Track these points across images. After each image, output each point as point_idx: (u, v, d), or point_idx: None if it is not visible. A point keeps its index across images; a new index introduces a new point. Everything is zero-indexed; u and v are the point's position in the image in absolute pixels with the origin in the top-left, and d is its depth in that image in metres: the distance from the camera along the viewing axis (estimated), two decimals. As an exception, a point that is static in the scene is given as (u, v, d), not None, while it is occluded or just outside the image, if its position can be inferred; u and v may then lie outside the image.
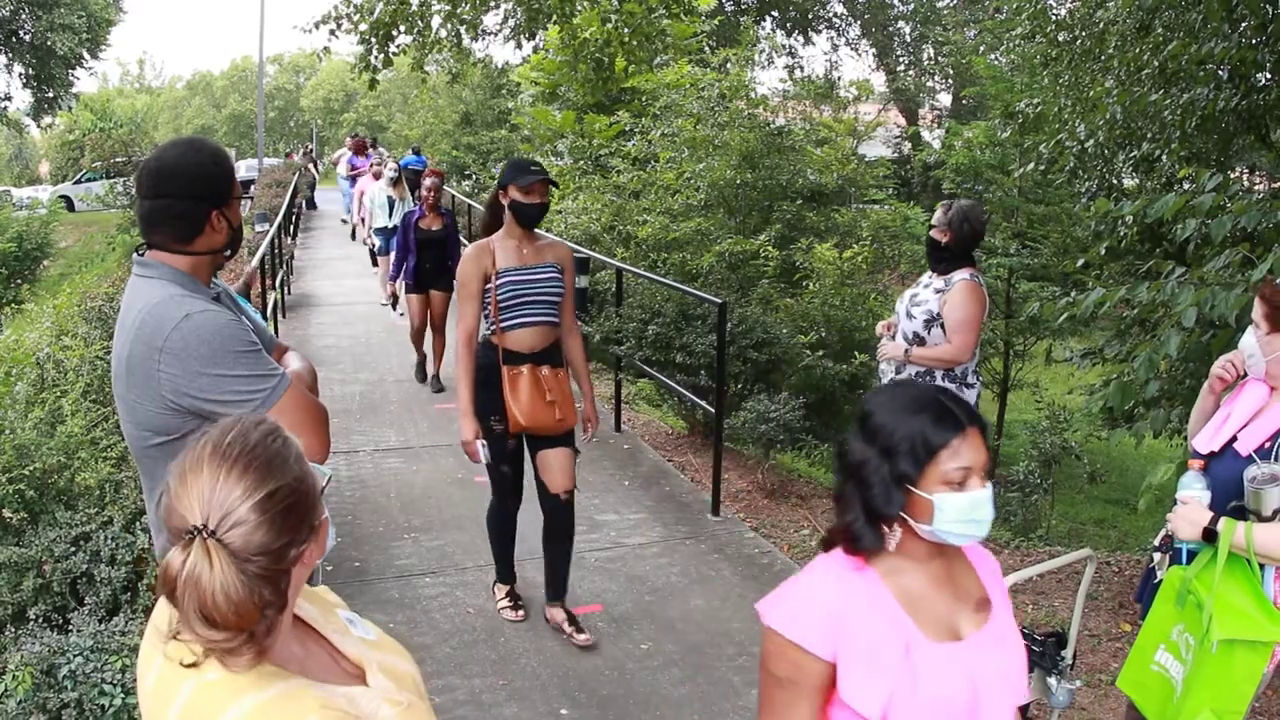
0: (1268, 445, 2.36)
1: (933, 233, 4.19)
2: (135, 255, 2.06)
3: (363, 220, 12.00)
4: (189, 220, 2.00)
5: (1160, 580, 2.50)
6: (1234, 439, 2.44)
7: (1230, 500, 2.37)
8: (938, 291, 4.14)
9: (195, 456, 1.14)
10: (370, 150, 17.00)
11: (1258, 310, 2.42)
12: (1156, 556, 2.56)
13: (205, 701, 1.13)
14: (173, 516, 1.12)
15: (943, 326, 4.08)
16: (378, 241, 10.45)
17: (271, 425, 1.20)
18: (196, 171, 2.00)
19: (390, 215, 9.99)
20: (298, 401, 1.98)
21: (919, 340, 4.17)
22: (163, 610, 1.22)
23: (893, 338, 4.29)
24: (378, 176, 11.19)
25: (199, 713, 1.13)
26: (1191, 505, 2.39)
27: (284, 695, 1.12)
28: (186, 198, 1.99)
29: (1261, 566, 2.34)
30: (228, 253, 2.11)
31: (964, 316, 4.02)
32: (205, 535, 1.08)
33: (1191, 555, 2.41)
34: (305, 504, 1.16)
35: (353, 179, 15.88)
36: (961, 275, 4.08)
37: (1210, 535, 2.33)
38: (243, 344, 1.94)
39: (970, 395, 4.17)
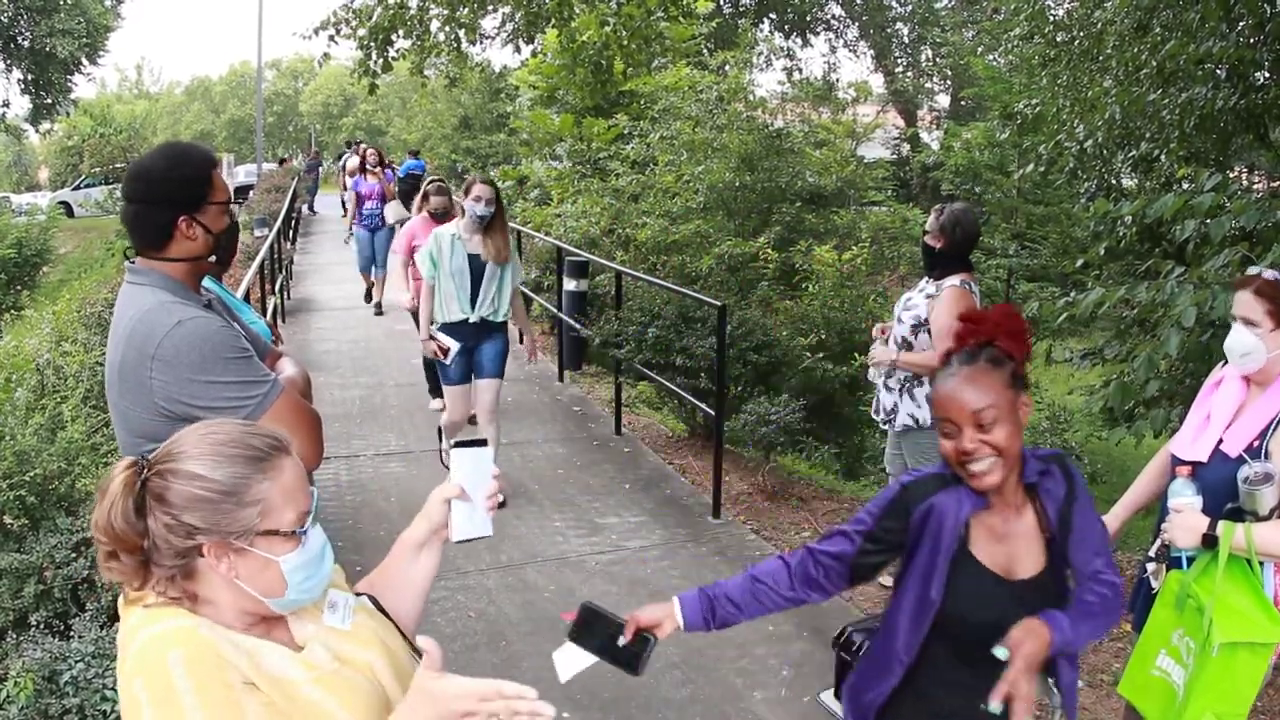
0: (1256, 444, 2.34)
1: (926, 238, 4.20)
2: (126, 262, 2.04)
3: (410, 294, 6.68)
4: (154, 226, 1.96)
5: (1156, 590, 2.48)
6: (1220, 440, 2.42)
7: (1225, 503, 2.34)
8: (929, 297, 4.15)
9: (202, 424, 1.33)
10: (374, 166, 11.50)
11: (1258, 308, 2.34)
12: (1151, 566, 2.53)
13: (124, 636, 1.28)
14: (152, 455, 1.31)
15: (929, 332, 4.09)
16: (452, 347, 5.01)
17: (276, 438, 1.33)
18: (160, 176, 1.96)
19: (476, 300, 4.99)
20: (290, 407, 1.98)
21: (906, 346, 4.18)
22: None
23: (886, 342, 4.30)
24: (441, 215, 6.32)
25: (122, 647, 1.27)
26: (1187, 513, 2.35)
27: (165, 632, 1.24)
28: (151, 203, 1.95)
29: (1261, 565, 2.33)
30: (213, 260, 2.09)
31: (948, 324, 4.02)
32: (142, 467, 1.27)
33: (1190, 561, 2.39)
34: (227, 512, 1.25)
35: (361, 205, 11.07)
36: (951, 281, 4.09)
37: (1210, 540, 2.31)
38: (234, 350, 1.94)
39: None
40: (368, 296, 11.35)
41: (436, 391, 6.76)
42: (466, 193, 5.00)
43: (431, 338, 5.06)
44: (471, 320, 5.00)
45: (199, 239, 1.99)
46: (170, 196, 1.96)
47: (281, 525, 1.29)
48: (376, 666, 1.37)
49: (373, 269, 11.05)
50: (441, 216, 6.41)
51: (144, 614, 1.27)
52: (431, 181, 6.90)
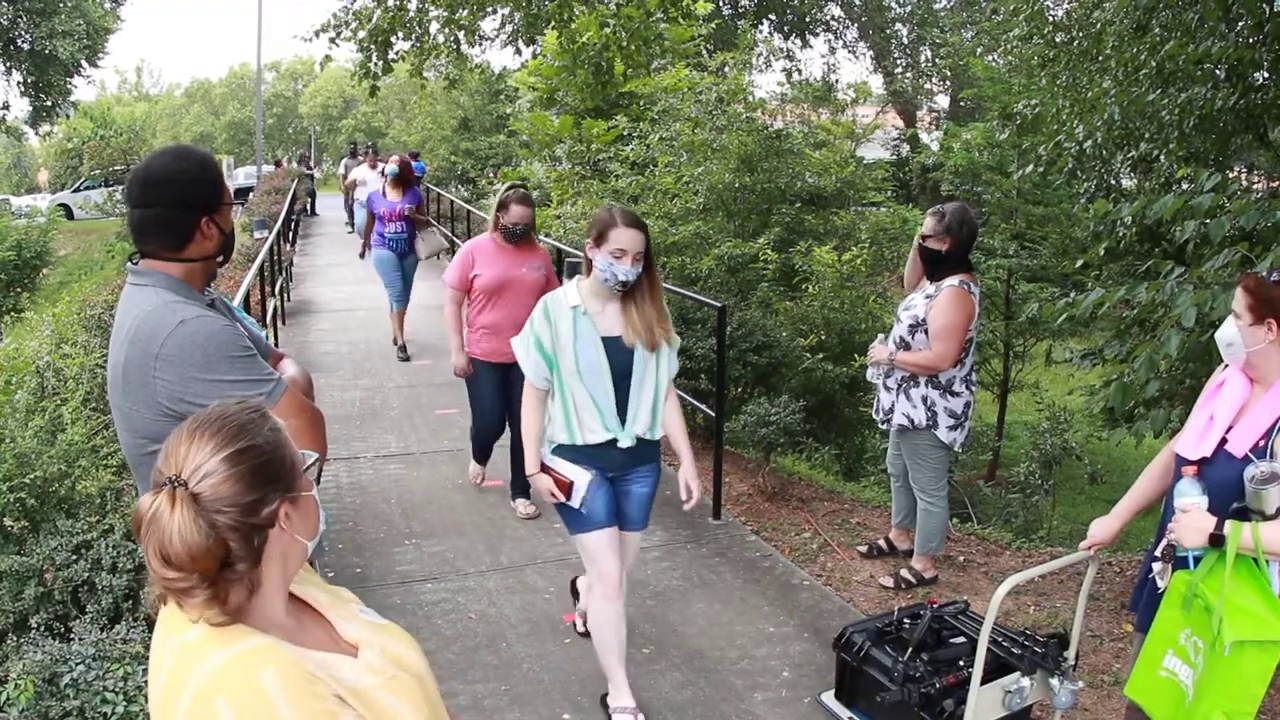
0: (1262, 443, 2.34)
1: (929, 242, 4.16)
2: (129, 264, 2.07)
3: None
4: (179, 228, 2.01)
5: (1162, 590, 2.48)
6: (1224, 440, 2.43)
7: (1230, 502, 2.35)
8: (928, 297, 4.16)
9: (177, 431, 1.24)
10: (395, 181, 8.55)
11: (1240, 301, 2.40)
12: (1157, 566, 2.53)
13: (184, 658, 1.20)
14: (156, 478, 1.21)
15: (926, 332, 4.09)
16: (576, 479, 3.12)
17: (253, 404, 1.30)
18: (184, 179, 2.00)
19: (627, 411, 3.14)
20: (294, 406, 1.99)
21: (904, 345, 4.18)
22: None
23: (886, 341, 4.31)
24: (520, 235, 4.86)
25: (179, 669, 1.20)
26: (1193, 513, 2.36)
27: (250, 650, 1.19)
28: (175, 206, 2.00)
29: (1268, 563, 2.33)
30: (220, 259, 2.11)
31: (945, 323, 4.03)
32: (175, 484, 1.18)
33: (1196, 561, 2.39)
34: (277, 466, 1.25)
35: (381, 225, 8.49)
36: (950, 281, 4.09)
37: (1216, 540, 2.32)
38: (237, 349, 1.95)
39: (957, 403, 4.17)
40: (404, 351, 8.81)
41: (520, 489, 5.23)
42: (599, 240, 3.04)
43: (545, 469, 3.18)
44: (623, 444, 3.14)
45: (214, 238, 2.05)
46: (194, 199, 2.01)
47: (307, 457, 1.32)
48: (420, 665, 1.39)
49: (404, 303, 8.76)
50: (520, 236, 4.86)
51: (209, 632, 1.20)
52: (511, 187, 4.95)
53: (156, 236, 2.01)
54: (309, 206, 22.01)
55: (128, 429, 2.01)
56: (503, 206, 4.86)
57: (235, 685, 1.16)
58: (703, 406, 5.91)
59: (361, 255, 9.40)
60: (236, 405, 1.27)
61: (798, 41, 29.46)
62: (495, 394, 5.03)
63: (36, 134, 32.86)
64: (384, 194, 8.50)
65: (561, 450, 3.17)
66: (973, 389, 4.26)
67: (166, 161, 2.03)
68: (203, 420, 1.24)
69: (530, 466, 3.21)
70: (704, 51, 15.90)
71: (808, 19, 28.69)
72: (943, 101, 29.77)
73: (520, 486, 5.24)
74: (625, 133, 13.15)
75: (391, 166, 8.60)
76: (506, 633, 3.96)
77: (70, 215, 27.30)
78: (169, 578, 1.18)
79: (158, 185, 1.99)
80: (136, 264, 2.04)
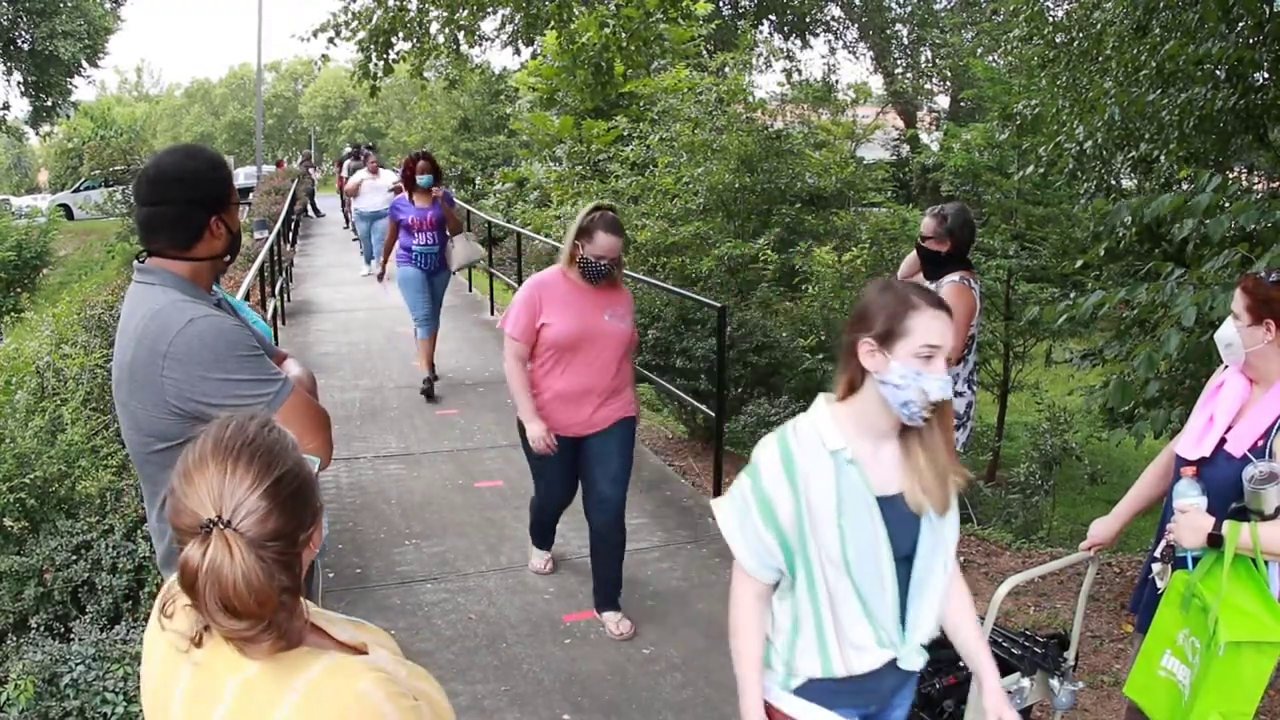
0: (1260, 443, 2.34)
1: (928, 244, 4.14)
2: (136, 262, 2.07)
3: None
4: (187, 226, 2.00)
5: (1162, 591, 2.49)
6: (1223, 440, 2.43)
7: (1229, 502, 2.35)
8: None
9: (198, 454, 1.16)
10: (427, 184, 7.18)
11: (1239, 302, 2.41)
12: (1156, 567, 2.53)
13: (254, 696, 1.15)
14: (182, 515, 1.14)
15: None
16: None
17: (265, 418, 1.24)
18: (194, 178, 2.00)
19: (907, 614, 1.90)
20: (300, 406, 1.99)
21: None
22: (180, 618, 1.22)
23: None
24: (603, 273, 3.68)
25: (249, 709, 1.15)
26: (1192, 513, 2.36)
27: (332, 667, 1.16)
28: (184, 204, 2.00)
29: (1266, 564, 2.33)
30: (227, 258, 2.12)
31: None
32: (222, 527, 1.10)
33: (1195, 561, 2.39)
34: (308, 488, 1.20)
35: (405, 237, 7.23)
36: (951, 278, 4.08)
37: (1215, 540, 2.32)
38: (245, 348, 1.96)
39: (960, 403, 4.15)
40: (430, 386, 7.46)
41: (608, 602, 4.08)
42: (887, 337, 1.76)
43: (771, 712, 2.05)
44: (906, 665, 1.95)
45: (222, 237, 2.05)
46: (203, 197, 2.01)
47: (311, 464, 1.28)
48: (400, 655, 1.39)
49: (431, 328, 7.51)
50: (604, 275, 3.70)
51: (270, 664, 1.16)
52: (598, 209, 3.72)
53: (164, 234, 2.01)
54: (309, 208, 21.90)
55: (133, 427, 2.02)
56: (585, 233, 3.63)
57: (346, 705, 1.13)
58: (703, 407, 5.91)
59: (380, 277, 7.76)
60: (254, 425, 1.20)
61: (798, 42, 29.45)
62: (567, 471, 3.98)
63: (37, 134, 32.86)
64: (411, 199, 7.21)
65: (811, 690, 1.97)
66: (974, 389, 4.25)
67: (176, 160, 2.03)
68: (227, 447, 1.15)
69: (751, 711, 2.05)
70: (704, 52, 15.91)
71: (808, 19, 28.68)
72: (943, 102, 29.77)
73: (608, 598, 4.01)
74: (625, 133, 13.17)
75: (425, 177, 7.13)
76: (506, 633, 3.96)
77: (70, 215, 27.31)
78: (237, 629, 1.11)
79: (167, 183, 1.99)
80: (144, 262, 2.04)
